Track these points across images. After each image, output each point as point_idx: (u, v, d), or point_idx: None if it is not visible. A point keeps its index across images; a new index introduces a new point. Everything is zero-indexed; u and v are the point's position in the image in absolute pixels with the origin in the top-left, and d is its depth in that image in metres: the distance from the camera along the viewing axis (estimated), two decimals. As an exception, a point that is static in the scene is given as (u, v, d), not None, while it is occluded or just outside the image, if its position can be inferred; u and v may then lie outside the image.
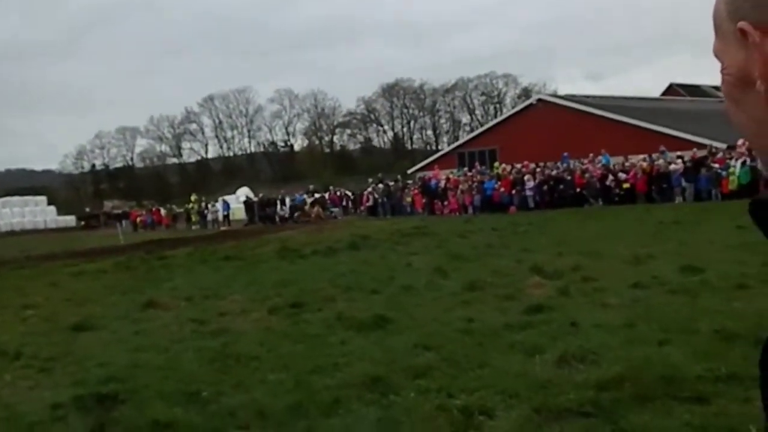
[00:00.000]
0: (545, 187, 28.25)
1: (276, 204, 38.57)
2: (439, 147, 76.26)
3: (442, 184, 31.94)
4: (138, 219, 46.19)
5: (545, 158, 30.68)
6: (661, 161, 26.45)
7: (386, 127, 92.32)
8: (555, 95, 41.67)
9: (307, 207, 36.55)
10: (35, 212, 63.23)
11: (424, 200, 31.89)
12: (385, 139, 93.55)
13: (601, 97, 39.15)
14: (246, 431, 4.93)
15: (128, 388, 6.16)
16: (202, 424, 5.22)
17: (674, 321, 7.02)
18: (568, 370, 5.72)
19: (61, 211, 65.15)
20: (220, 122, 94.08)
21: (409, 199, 32.63)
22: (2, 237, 49.54)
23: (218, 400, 5.75)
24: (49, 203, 66.94)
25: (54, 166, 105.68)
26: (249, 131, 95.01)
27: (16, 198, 66.24)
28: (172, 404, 5.64)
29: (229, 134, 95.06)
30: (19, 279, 17.39)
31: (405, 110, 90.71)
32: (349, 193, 39.48)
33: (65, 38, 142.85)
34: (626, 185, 26.49)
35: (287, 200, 38.17)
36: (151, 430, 5.15)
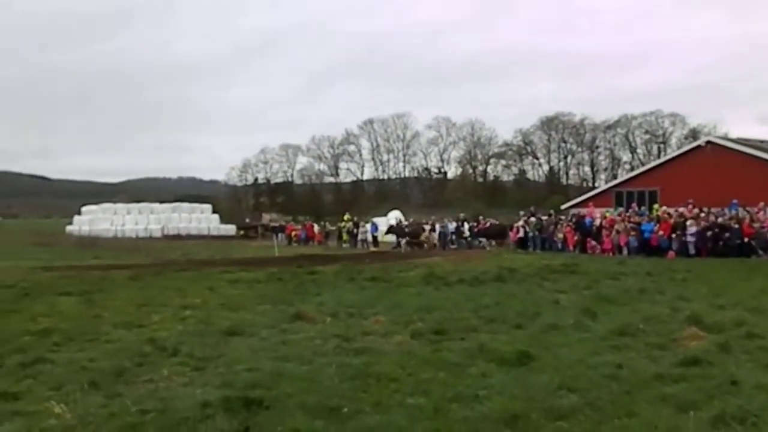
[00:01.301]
0: (709, 234, 26.59)
1: (423, 230, 38.81)
2: (596, 184, 74.19)
3: (597, 222, 30.85)
4: (293, 233, 48.02)
5: (710, 204, 28.95)
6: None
7: (542, 160, 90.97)
8: (726, 138, 39.30)
9: (423, 234, 36.57)
10: (200, 219, 67.56)
11: (576, 237, 30.93)
12: (540, 173, 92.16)
13: (777, 143, 36.51)
14: (382, 452, 4.94)
15: (272, 395, 6.37)
16: (341, 439, 5.29)
17: None
18: (725, 430, 5.32)
19: (223, 220, 69.08)
20: (378, 145, 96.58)
21: (560, 235, 31.75)
22: (169, 239, 53.20)
23: (357, 417, 5.82)
24: (214, 212, 71.27)
25: (220, 177, 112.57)
26: (404, 156, 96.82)
27: (185, 204, 71.08)
28: (313, 416, 5.77)
29: (385, 157, 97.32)
30: (180, 281, 18.56)
31: (563, 144, 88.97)
32: (498, 223, 39.03)
33: (238, 59, 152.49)
34: (801, 238, 24.43)
35: (437, 227, 38.29)
36: (292, 439, 5.29)
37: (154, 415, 5.99)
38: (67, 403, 6.35)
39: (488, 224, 37.66)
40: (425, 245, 35.78)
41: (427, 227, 38.23)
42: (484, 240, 36.70)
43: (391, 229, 40.10)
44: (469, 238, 36.37)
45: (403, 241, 36.16)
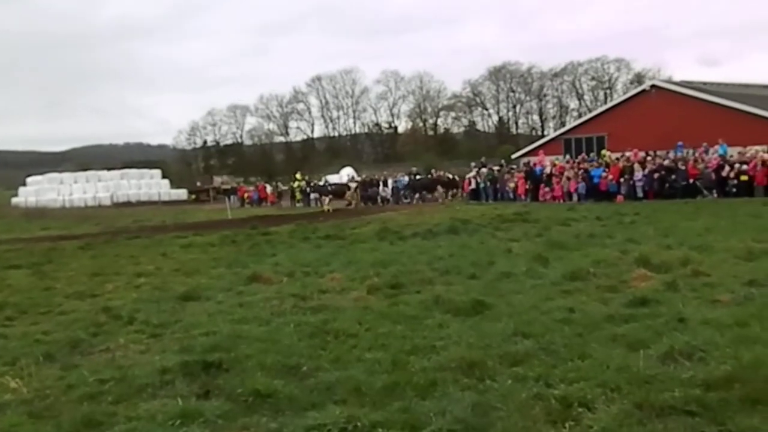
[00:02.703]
0: (656, 177, 27.19)
1: (378, 185, 38.84)
2: (545, 132, 74.88)
3: (547, 170, 31.28)
4: (245, 195, 47.59)
5: (657, 147, 29.58)
6: (783, 152, 24.96)
7: (491, 110, 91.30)
8: (670, 81, 39.94)
9: (348, 193, 36.70)
10: (150, 185, 66.33)
11: (527, 186, 31.35)
12: (490, 123, 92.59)
13: (719, 84, 37.26)
14: (343, 406, 5.00)
15: (231, 357, 6.38)
16: (301, 397, 5.34)
17: (791, 322, 6.63)
18: (673, 366, 5.51)
19: (173, 185, 67.97)
20: (327, 102, 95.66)
21: (512, 185, 32.14)
22: (119, 207, 52.29)
23: (316, 374, 5.88)
24: (163, 177, 70.01)
25: (168, 141, 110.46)
26: (354, 112, 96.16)
27: (133, 171, 69.69)
28: (273, 375, 5.81)
29: (335, 114, 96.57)
30: (132, 248, 18.34)
31: (511, 94, 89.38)
32: (450, 176, 39.28)
33: (179, 17, 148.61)
34: (744, 177, 25.15)
35: (389, 181, 38.35)
36: (253, 399, 5.32)
37: (113, 384, 5.95)
38: (23, 377, 6.27)
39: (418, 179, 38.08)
40: (351, 203, 35.85)
41: (352, 185, 38.22)
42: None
43: (314, 188, 40.07)
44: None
45: (326, 200, 36.18)
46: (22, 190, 66.10)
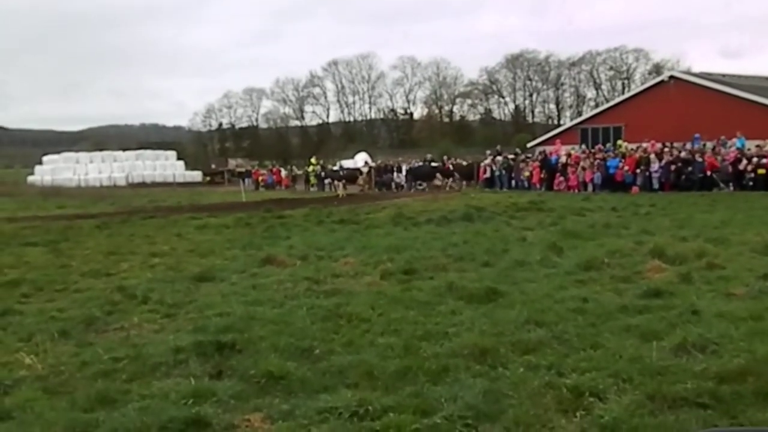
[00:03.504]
0: (672, 168, 26.98)
1: (393, 171, 38.75)
2: (561, 122, 74.30)
3: (563, 159, 31.08)
4: (260, 178, 47.69)
5: (674, 138, 29.28)
6: (803, 146, 24.68)
7: (508, 98, 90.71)
8: (689, 72, 39.54)
9: (361, 177, 36.57)
10: (165, 166, 66.59)
11: (542, 175, 31.20)
12: (506, 111, 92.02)
13: (739, 76, 36.80)
14: (355, 390, 5.03)
15: (245, 338, 6.42)
16: (313, 379, 5.38)
17: (807, 317, 6.58)
18: (686, 358, 5.50)
19: (188, 167, 68.19)
20: (343, 87, 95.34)
21: (527, 173, 32.00)
22: (134, 187, 52.55)
23: (329, 357, 5.91)
24: (178, 158, 70.27)
25: (184, 122, 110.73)
26: (370, 97, 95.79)
27: (148, 152, 70.00)
28: (286, 358, 5.84)
29: (350, 99, 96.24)
30: (148, 228, 18.44)
31: (528, 82, 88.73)
32: (465, 164, 39.16)
33: (197, 1, 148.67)
34: (762, 171, 24.90)
35: (404, 167, 38.26)
36: (266, 381, 5.35)
37: (127, 362, 6.02)
38: (38, 354, 6.34)
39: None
40: (364, 188, 35.77)
41: (365, 170, 38.14)
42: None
43: (328, 173, 40.05)
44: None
45: (339, 185, 36.14)
46: (38, 168, 66.53)
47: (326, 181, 39.77)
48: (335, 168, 41.95)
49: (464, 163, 38.27)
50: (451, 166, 36.65)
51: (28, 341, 6.92)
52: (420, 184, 35.52)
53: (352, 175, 37.72)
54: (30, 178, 63.73)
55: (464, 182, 35.22)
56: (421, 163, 38.64)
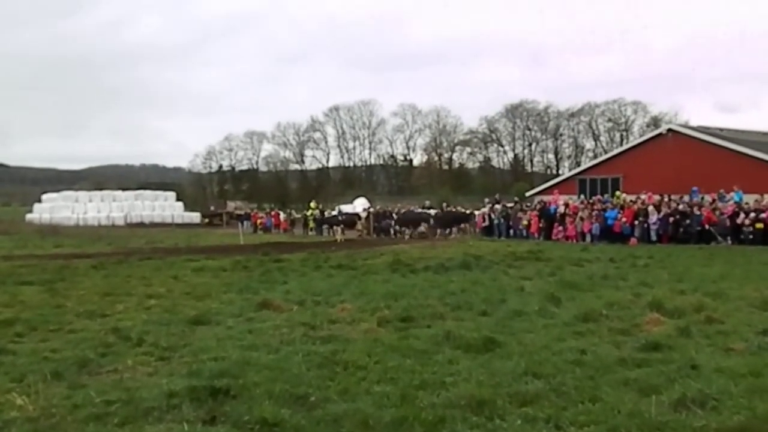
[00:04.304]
0: (670, 221, 27.07)
1: (391, 217, 38.81)
2: (560, 171, 75.00)
3: (561, 209, 31.22)
4: (258, 221, 47.75)
5: (672, 191, 29.48)
6: (800, 202, 24.80)
7: (507, 147, 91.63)
8: (687, 126, 39.96)
9: (359, 223, 36.53)
10: (164, 206, 66.85)
11: (541, 224, 31.28)
12: (505, 160, 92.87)
13: (736, 131, 37.24)
14: (350, 439, 4.96)
15: (239, 384, 6.34)
16: (308, 428, 5.30)
17: (807, 375, 6.53)
18: (685, 414, 5.43)
19: (187, 208, 68.42)
20: (343, 132, 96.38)
21: (525, 222, 32.09)
22: (133, 227, 52.55)
23: (324, 405, 5.83)
24: (178, 199, 70.52)
25: (184, 164, 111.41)
26: (370, 143, 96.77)
27: (148, 192, 70.30)
28: (280, 404, 5.76)
29: (351, 145, 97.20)
30: (144, 269, 18.38)
31: (527, 132, 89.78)
32: (465, 212, 39.27)
33: (200, 43, 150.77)
34: (760, 225, 24.98)
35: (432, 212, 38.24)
36: (260, 428, 5.28)
37: (119, 405, 5.93)
38: (30, 395, 6.25)
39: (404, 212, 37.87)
40: (362, 233, 35.74)
41: (363, 215, 38.17)
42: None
43: (324, 219, 40.05)
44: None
45: (338, 230, 36.14)
46: (37, 206, 66.71)
47: (324, 226, 39.79)
48: (334, 213, 42.03)
49: (431, 212, 38.29)
50: (430, 214, 36.60)
51: (20, 382, 6.83)
52: (403, 231, 35.40)
53: (350, 221, 37.75)
54: (28, 216, 63.80)
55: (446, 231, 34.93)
56: (412, 209, 38.62)
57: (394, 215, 37.80)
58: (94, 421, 5.57)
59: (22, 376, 7.01)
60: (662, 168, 32.55)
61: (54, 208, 63.24)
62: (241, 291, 13.71)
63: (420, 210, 38.08)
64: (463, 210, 37.77)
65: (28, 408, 5.91)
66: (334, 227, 37.16)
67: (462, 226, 34.92)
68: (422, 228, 35.27)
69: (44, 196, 68.22)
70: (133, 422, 5.54)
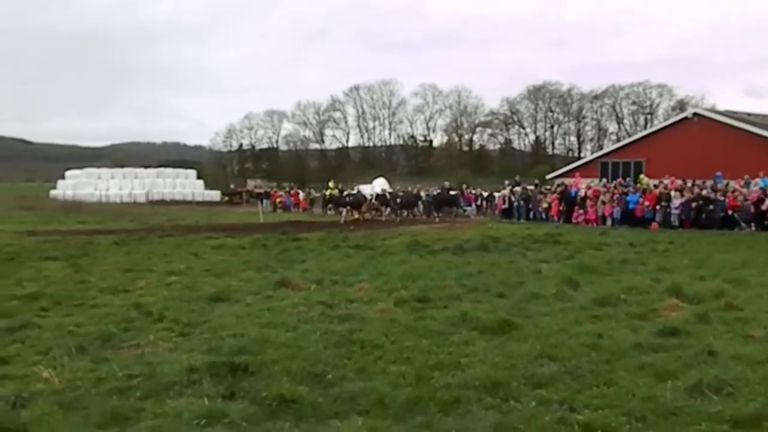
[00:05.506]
0: (693, 206, 26.81)
1: (414, 197, 38.66)
2: (582, 154, 74.41)
3: (582, 192, 31.00)
4: (278, 200, 47.92)
5: (695, 176, 29.12)
6: (826, 189, 24.43)
7: (528, 129, 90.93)
8: (713, 110, 39.40)
9: (365, 204, 36.39)
10: (185, 184, 67.25)
11: (561, 207, 31.12)
12: (526, 142, 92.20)
13: (764, 116, 36.64)
14: (366, 417, 5.04)
15: (257, 361, 6.45)
16: (325, 405, 5.39)
17: (825, 362, 6.50)
18: (701, 400, 5.45)
19: (207, 186, 68.77)
20: (364, 112, 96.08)
21: (545, 205, 31.93)
22: (153, 205, 52.97)
23: (341, 383, 5.92)
24: (198, 177, 70.90)
25: (205, 142, 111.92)
26: (390, 123, 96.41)
27: (169, 170, 70.74)
28: (298, 382, 5.86)
29: (370, 125, 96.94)
30: (165, 246, 18.59)
31: (549, 114, 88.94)
32: (484, 193, 39.18)
33: (220, 21, 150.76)
34: (785, 212, 24.64)
35: (423, 194, 38.28)
36: (278, 404, 5.37)
37: (141, 379, 6.06)
38: (55, 368, 6.41)
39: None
40: (365, 215, 35.67)
41: (369, 196, 38.07)
42: (469, 208, 36.86)
43: (331, 200, 39.92)
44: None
45: (343, 211, 36.10)
46: (60, 183, 67.40)
47: (329, 205, 39.62)
48: (345, 193, 41.84)
49: (484, 193, 38.32)
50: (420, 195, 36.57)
51: (45, 355, 7.01)
52: (401, 212, 35.35)
53: (357, 201, 37.56)
54: (52, 193, 64.51)
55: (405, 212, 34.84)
56: (454, 190, 38.46)
57: (421, 195, 37.71)
58: (117, 395, 5.70)
59: (47, 350, 7.18)
60: (687, 152, 32.13)
61: (77, 185, 63.88)
62: (260, 269, 13.85)
63: (417, 192, 38.12)
64: (452, 193, 37.43)
65: (53, 380, 6.06)
66: (340, 208, 37.09)
67: (450, 209, 34.96)
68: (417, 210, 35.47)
69: (67, 173, 68.91)
70: (155, 396, 5.66)
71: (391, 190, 40.75)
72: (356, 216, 34.81)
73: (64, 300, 10.28)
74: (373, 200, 36.15)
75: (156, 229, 25.65)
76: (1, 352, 7.17)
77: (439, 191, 37.27)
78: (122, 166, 70.71)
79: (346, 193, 40.20)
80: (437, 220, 32.17)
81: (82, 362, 6.76)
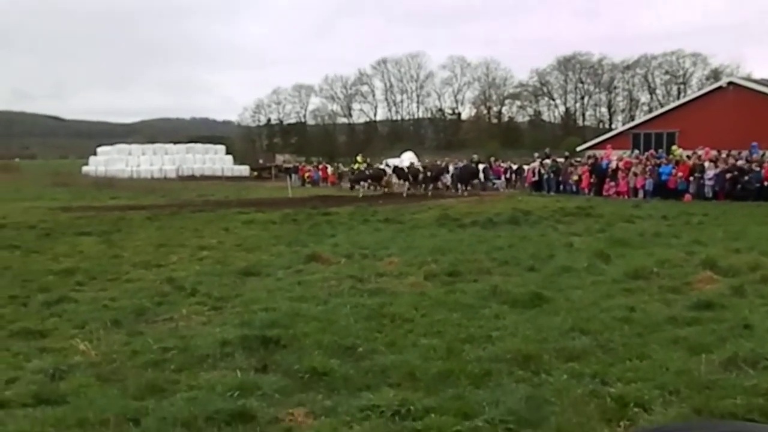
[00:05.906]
0: (727, 177, 26.33)
1: (443, 171, 38.54)
2: (613, 126, 73.34)
3: (614, 164, 30.60)
4: (306, 174, 48.03)
5: (730, 147, 28.57)
6: None
7: (558, 101, 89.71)
8: (749, 79, 38.51)
9: (384, 179, 36.23)
10: (214, 160, 67.71)
11: (592, 180, 30.77)
12: (556, 114, 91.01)
13: (802, 84, 35.74)
14: (397, 390, 5.06)
15: (289, 334, 6.51)
16: (356, 377, 5.43)
17: None
18: (736, 373, 5.38)
19: (237, 161, 69.13)
20: (391, 86, 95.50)
21: (576, 178, 31.60)
22: (184, 180, 53.47)
23: (372, 356, 5.95)
24: (227, 152, 71.30)
25: (233, 117, 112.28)
26: (418, 96, 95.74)
27: (198, 145, 71.18)
28: (329, 355, 5.90)
29: (398, 98, 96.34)
30: (197, 221, 18.78)
31: (580, 85, 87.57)
32: (514, 166, 38.88)
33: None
34: (821, 182, 24.15)
35: (450, 167, 38.13)
36: (309, 377, 5.43)
37: (175, 352, 6.16)
38: (91, 341, 6.54)
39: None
40: (386, 189, 35.59)
41: (389, 170, 37.90)
42: (498, 181, 36.66)
43: (353, 174, 39.79)
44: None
45: (364, 185, 36.00)
46: (92, 159, 68.20)
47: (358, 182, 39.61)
48: (364, 168, 41.68)
49: (513, 166, 38.05)
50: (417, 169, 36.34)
51: (82, 328, 7.15)
52: (427, 186, 35.22)
53: (377, 175, 37.43)
54: (84, 169, 65.33)
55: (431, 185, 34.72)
56: (483, 163, 38.25)
57: (449, 169, 37.52)
58: (152, 367, 5.80)
59: (83, 323, 7.33)
60: (721, 122, 31.48)
61: (109, 161, 64.63)
62: (290, 244, 13.93)
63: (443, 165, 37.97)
64: (474, 165, 37.15)
65: (90, 353, 6.18)
66: (360, 182, 37.03)
67: (474, 181, 34.89)
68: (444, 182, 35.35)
69: (99, 149, 69.69)
70: (189, 369, 5.75)
71: (417, 164, 40.63)
72: (379, 190, 34.82)
73: (98, 275, 10.46)
74: (392, 174, 36.09)
75: (187, 204, 25.92)
76: (40, 326, 7.34)
77: (464, 164, 37.09)
78: (152, 142, 71.33)
79: (365, 167, 40.21)
80: (465, 194, 32.04)
81: (117, 335, 6.89)
